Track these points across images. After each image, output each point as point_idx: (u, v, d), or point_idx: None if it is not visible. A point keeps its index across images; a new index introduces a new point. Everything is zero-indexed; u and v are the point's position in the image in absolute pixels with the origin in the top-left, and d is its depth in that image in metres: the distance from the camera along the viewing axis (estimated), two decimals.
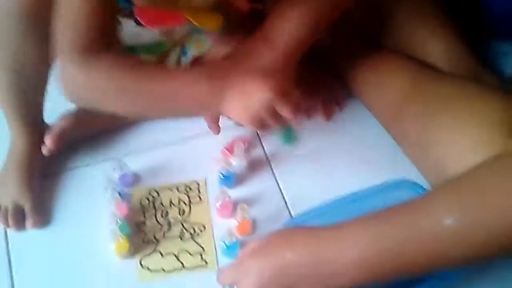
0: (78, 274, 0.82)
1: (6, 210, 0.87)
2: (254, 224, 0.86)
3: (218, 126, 0.87)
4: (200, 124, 0.89)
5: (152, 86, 0.71)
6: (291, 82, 0.78)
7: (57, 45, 0.70)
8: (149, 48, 0.87)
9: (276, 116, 0.72)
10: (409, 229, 0.55)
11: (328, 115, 1.01)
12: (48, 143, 0.91)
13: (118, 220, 0.82)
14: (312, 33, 0.81)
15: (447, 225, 0.52)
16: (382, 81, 0.94)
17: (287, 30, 0.79)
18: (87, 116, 0.94)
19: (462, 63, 0.92)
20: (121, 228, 0.82)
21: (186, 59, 0.90)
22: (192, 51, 0.90)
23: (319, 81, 1.04)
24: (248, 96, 0.71)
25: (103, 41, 0.70)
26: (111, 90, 0.72)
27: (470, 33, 0.96)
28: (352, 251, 0.56)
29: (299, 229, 0.64)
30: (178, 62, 0.90)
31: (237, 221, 0.84)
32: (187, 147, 0.96)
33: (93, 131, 0.98)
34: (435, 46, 0.93)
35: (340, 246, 0.57)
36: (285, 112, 0.71)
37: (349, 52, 1.01)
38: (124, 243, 0.81)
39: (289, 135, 0.85)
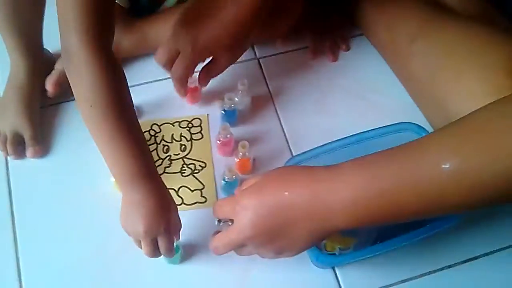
0: (76, 205, 0.83)
1: (5, 138, 0.87)
2: (254, 162, 0.86)
3: (185, 89, 0.87)
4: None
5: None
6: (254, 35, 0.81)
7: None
8: None
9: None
10: (406, 171, 0.53)
11: (334, 56, 0.99)
12: (49, 88, 0.90)
13: None
14: None
15: (446, 169, 0.51)
16: (391, 22, 0.92)
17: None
18: None
19: (473, 4, 0.91)
20: None
21: None
22: None
23: (327, 20, 1.02)
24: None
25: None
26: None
27: None
28: (346, 190, 0.55)
29: (296, 168, 0.63)
30: None
31: (238, 159, 0.83)
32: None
33: None
34: None
35: (335, 186, 0.56)
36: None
37: None
38: None
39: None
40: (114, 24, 0.69)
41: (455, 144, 0.52)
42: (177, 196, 0.83)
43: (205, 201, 0.82)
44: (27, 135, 0.87)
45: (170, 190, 0.81)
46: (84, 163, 0.86)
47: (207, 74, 0.86)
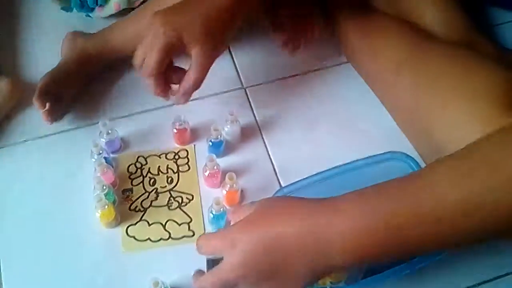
0: (61, 241, 0.81)
1: None
2: (242, 193, 0.84)
3: (161, 86, 0.79)
4: None
5: None
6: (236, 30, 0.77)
7: None
8: None
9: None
10: (407, 203, 0.51)
11: (293, 49, 0.97)
12: (38, 106, 0.89)
13: (103, 186, 0.80)
14: None
15: (452, 201, 0.50)
16: (376, 48, 0.92)
17: None
18: (60, 70, 0.94)
19: (459, 30, 0.92)
20: (107, 196, 0.80)
21: None
22: None
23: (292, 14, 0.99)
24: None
25: None
26: None
27: None
28: (344, 224, 0.53)
29: (290, 200, 0.60)
30: None
31: (225, 191, 0.82)
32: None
33: (72, 83, 0.96)
34: (431, 10, 0.92)
35: (333, 219, 0.53)
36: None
37: (342, 16, 0.98)
38: (110, 211, 0.79)
39: None
40: None
41: (458, 176, 0.51)
42: (164, 230, 0.81)
43: (193, 235, 0.81)
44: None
45: (156, 225, 0.82)
46: (68, 199, 0.85)
47: (186, 83, 0.77)
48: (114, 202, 0.82)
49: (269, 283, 0.56)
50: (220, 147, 0.87)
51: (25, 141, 0.92)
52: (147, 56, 0.74)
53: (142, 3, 1.01)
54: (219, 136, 0.86)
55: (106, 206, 0.78)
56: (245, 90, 0.98)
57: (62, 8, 1.07)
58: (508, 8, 1.07)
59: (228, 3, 0.74)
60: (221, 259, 0.73)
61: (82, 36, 0.99)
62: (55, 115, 0.91)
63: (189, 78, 0.76)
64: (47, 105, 0.88)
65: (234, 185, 0.81)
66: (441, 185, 0.51)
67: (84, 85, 0.97)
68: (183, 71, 0.78)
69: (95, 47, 0.96)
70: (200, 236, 0.64)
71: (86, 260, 0.79)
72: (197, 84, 0.77)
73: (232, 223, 0.61)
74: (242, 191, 0.84)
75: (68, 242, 0.81)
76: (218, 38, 0.76)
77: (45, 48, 1.04)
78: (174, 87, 0.80)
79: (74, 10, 1.06)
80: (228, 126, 0.88)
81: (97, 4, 1.04)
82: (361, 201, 0.54)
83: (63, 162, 0.89)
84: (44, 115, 0.89)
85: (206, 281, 0.59)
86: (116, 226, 0.82)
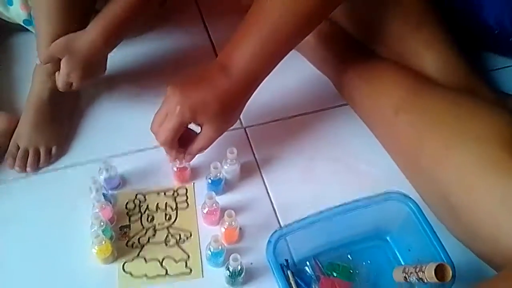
0: (56, 276, 0.80)
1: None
2: (241, 231, 0.84)
3: (174, 153, 0.85)
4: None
5: None
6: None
7: None
8: None
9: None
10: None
11: None
12: None
13: (101, 223, 0.80)
14: (270, 64, 0.81)
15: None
16: (375, 91, 0.93)
17: (243, 59, 0.79)
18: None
19: (458, 74, 0.92)
20: (104, 231, 0.79)
21: None
22: None
23: None
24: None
25: None
26: None
27: (464, 43, 0.95)
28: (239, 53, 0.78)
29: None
30: None
31: (224, 228, 0.81)
32: None
33: None
34: (430, 54, 0.93)
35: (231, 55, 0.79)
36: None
37: (341, 60, 1.00)
38: (107, 246, 0.79)
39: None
40: None
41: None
42: (161, 267, 0.80)
43: (190, 272, 0.80)
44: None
45: (153, 261, 0.81)
46: (66, 234, 0.84)
47: (193, 149, 0.84)
48: (111, 238, 0.82)
49: (194, 92, 0.78)
50: (219, 185, 0.88)
51: (23, 177, 0.93)
52: (161, 127, 0.81)
53: None
54: (218, 174, 0.86)
55: (103, 242, 0.78)
56: (245, 130, 0.99)
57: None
58: (503, 54, 1.09)
59: (239, 88, 0.80)
60: None
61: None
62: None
63: (197, 146, 0.84)
64: None
65: (233, 222, 0.80)
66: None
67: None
68: (193, 135, 0.85)
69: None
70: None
71: None
72: (202, 151, 0.86)
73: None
74: (241, 228, 0.84)
75: (63, 278, 0.80)
76: (228, 118, 0.83)
77: None
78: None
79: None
80: (228, 165, 0.88)
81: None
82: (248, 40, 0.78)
83: (61, 199, 0.89)
84: None
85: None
86: (113, 262, 0.81)
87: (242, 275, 0.77)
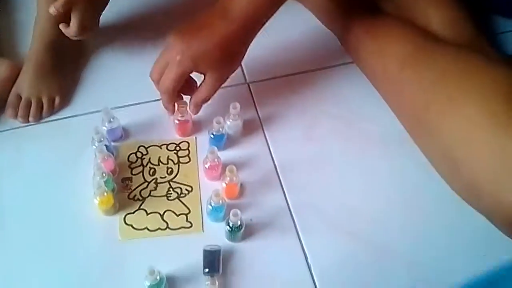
0: (58, 227, 0.81)
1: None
2: (242, 187, 0.84)
3: (173, 104, 0.86)
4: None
5: None
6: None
7: None
8: None
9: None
10: None
11: None
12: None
13: (103, 174, 0.80)
14: (270, 5, 0.80)
15: None
16: (381, 48, 0.92)
17: (239, 4, 0.79)
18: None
19: (464, 35, 0.91)
20: (106, 183, 0.80)
21: None
22: None
23: None
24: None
25: None
26: None
27: (475, 6, 0.94)
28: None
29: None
30: None
31: (225, 183, 0.82)
32: None
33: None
34: (437, 13, 0.92)
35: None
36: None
37: (348, 17, 0.99)
38: (108, 198, 0.79)
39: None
40: None
41: None
42: (162, 220, 0.81)
43: (191, 226, 0.81)
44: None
45: (154, 214, 0.82)
46: (67, 185, 0.85)
47: (197, 98, 0.85)
48: (113, 190, 0.82)
49: (196, 39, 0.78)
50: (222, 141, 0.87)
51: (25, 126, 0.92)
52: (163, 76, 0.81)
53: None
54: (220, 129, 0.86)
55: (105, 193, 0.78)
56: (249, 86, 0.98)
57: None
58: (510, 16, 1.07)
59: (239, 32, 0.79)
60: (219, 250, 0.74)
61: None
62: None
63: (200, 95, 0.84)
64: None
65: (234, 178, 0.80)
66: None
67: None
68: (195, 85, 0.86)
69: None
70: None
71: (83, 246, 0.79)
72: (206, 101, 0.86)
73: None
74: (241, 184, 0.84)
75: (65, 228, 0.81)
76: (229, 64, 0.83)
77: None
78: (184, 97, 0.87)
79: None
80: (231, 120, 0.88)
81: None
82: None
83: (63, 149, 0.89)
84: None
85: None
86: (115, 214, 0.82)
87: (241, 231, 0.78)
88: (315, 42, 1.04)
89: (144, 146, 0.89)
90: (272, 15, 0.81)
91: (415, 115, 0.84)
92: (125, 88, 0.97)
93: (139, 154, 0.88)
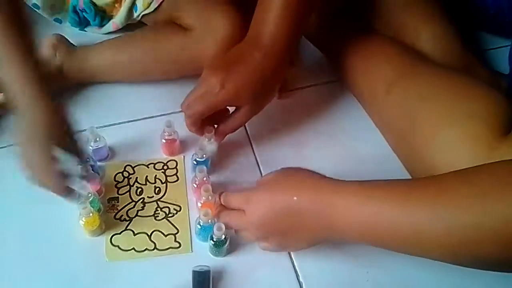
0: (42, 248, 0.78)
1: None
2: None
3: (197, 128, 0.84)
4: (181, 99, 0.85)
5: None
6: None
7: None
8: None
9: None
10: (403, 215, 0.57)
11: (281, 94, 0.96)
12: None
13: (89, 194, 0.78)
14: (296, 24, 0.80)
15: (441, 221, 0.54)
16: (368, 67, 0.92)
17: (268, 26, 0.79)
18: None
19: (453, 53, 0.92)
20: (92, 203, 0.78)
21: (136, 15, 1.00)
22: (140, 9, 0.99)
23: None
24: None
25: None
26: None
27: (460, 23, 0.95)
28: (349, 215, 0.61)
29: (305, 173, 0.68)
30: (129, 14, 1.01)
31: (200, 203, 0.80)
32: None
33: None
34: (426, 29, 0.92)
35: (340, 205, 0.62)
36: None
37: (336, 35, 0.99)
38: (94, 218, 0.77)
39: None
40: None
41: (452, 201, 0.55)
42: (149, 241, 0.79)
43: (179, 246, 0.79)
44: None
45: (142, 235, 0.80)
46: (52, 206, 0.82)
47: (226, 128, 0.84)
48: (99, 210, 0.81)
49: (276, 240, 0.70)
50: (207, 164, 0.85)
51: (9, 146, 0.90)
52: (195, 103, 0.80)
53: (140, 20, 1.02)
54: (204, 155, 0.83)
55: (91, 214, 0.77)
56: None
57: (55, 20, 1.06)
58: (498, 34, 1.08)
59: (273, 58, 0.79)
60: (208, 271, 0.72)
61: (64, 48, 0.96)
62: None
63: (229, 126, 0.84)
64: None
65: (210, 197, 0.78)
66: (432, 203, 0.56)
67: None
68: (224, 113, 0.85)
69: (72, 68, 0.96)
70: (221, 193, 0.75)
71: (69, 268, 0.77)
72: (234, 130, 0.85)
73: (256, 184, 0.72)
74: None
75: (50, 249, 0.78)
76: (263, 98, 0.84)
77: None
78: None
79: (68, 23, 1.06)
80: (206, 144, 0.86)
81: (99, 25, 1.04)
82: (367, 198, 0.61)
83: None
84: None
85: (230, 216, 0.73)
86: (100, 235, 0.80)
87: (226, 245, 0.76)
88: (304, 60, 1.04)
89: (130, 166, 0.88)
90: (300, 34, 0.83)
91: (400, 135, 0.84)
92: (111, 106, 0.96)
93: (125, 174, 0.87)
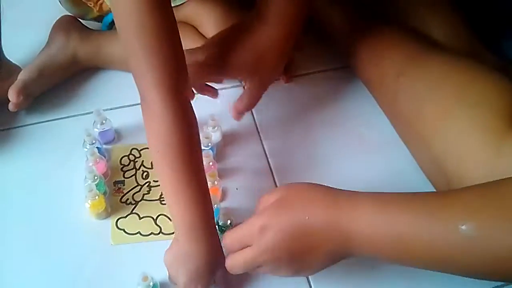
0: (48, 231, 0.78)
1: None
2: (238, 192, 0.83)
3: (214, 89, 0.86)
4: None
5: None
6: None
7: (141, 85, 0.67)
8: None
9: None
10: (423, 222, 0.55)
11: (288, 77, 0.98)
12: (12, 98, 0.87)
13: (95, 177, 0.78)
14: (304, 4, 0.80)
15: (462, 231, 0.52)
16: (378, 55, 0.91)
17: (279, 7, 0.78)
18: (47, 67, 0.92)
19: (463, 41, 0.90)
20: (98, 186, 0.78)
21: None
22: None
23: None
24: None
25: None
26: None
27: (472, 12, 0.93)
28: (365, 225, 0.58)
29: (316, 188, 0.63)
30: None
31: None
32: None
33: (55, 82, 0.95)
34: (435, 18, 0.91)
35: (355, 218, 0.58)
36: None
37: (344, 20, 0.98)
38: (100, 201, 0.77)
39: None
40: (186, 66, 0.68)
41: (477, 206, 0.53)
42: (155, 225, 0.79)
43: None
44: None
45: (147, 219, 0.79)
46: (58, 188, 0.83)
47: (239, 105, 0.84)
48: (105, 193, 0.80)
49: (292, 266, 0.62)
50: (212, 152, 0.84)
51: (14, 127, 0.90)
52: (196, 67, 0.77)
53: None
54: (209, 144, 0.83)
55: (97, 197, 0.76)
56: (245, 88, 0.96)
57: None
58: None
59: (280, 37, 0.79)
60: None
61: (77, 32, 0.95)
62: (23, 106, 0.90)
63: (242, 103, 0.84)
64: (21, 98, 0.87)
65: (215, 182, 0.79)
66: (459, 211, 0.54)
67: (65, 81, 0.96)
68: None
69: (87, 55, 0.95)
70: (224, 235, 0.67)
71: (74, 251, 0.76)
72: (249, 108, 0.85)
73: (259, 209, 0.65)
74: (237, 189, 0.83)
75: (56, 232, 0.78)
76: (271, 70, 0.83)
77: (31, 32, 1.01)
78: None
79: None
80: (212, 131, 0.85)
81: None
82: (382, 208, 0.58)
83: (54, 151, 0.87)
84: (12, 106, 0.88)
85: (235, 261, 0.64)
86: (106, 218, 0.79)
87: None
88: (313, 45, 1.03)
89: (137, 149, 0.87)
90: (302, 19, 0.81)
91: (409, 123, 0.83)
92: (118, 89, 0.95)
93: (131, 157, 0.86)
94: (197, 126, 0.69)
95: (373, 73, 0.92)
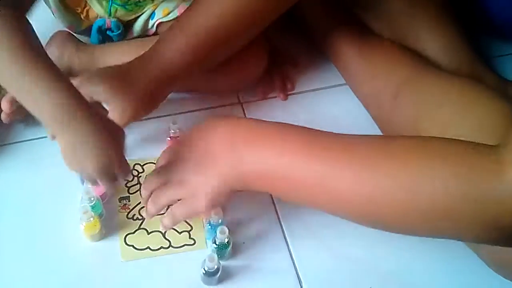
0: (57, 251, 0.77)
1: None
2: (237, 208, 0.82)
3: None
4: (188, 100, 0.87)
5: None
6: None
7: None
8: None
9: None
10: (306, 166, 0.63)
11: (285, 94, 1.00)
12: (4, 108, 0.84)
13: (91, 198, 0.76)
14: (192, 61, 0.81)
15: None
16: (375, 70, 0.92)
17: (163, 54, 0.80)
18: None
19: (460, 59, 0.92)
20: (95, 207, 0.77)
21: (152, 23, 0.97)
22: (158, 17, 0.96)
23: (272, 60, 1.01)
24: None
25: None
26: None
27: (469, 29, 0.96)
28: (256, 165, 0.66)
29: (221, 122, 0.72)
30: (146, 23, 0.98)
31: None
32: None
33: None
34: (433, 39, 0.93)
35: (248, 156, 0.66)
36: None
37: (342, 40, 0.98)
38: (94, 223, 0.76)
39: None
40: None
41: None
42: (164, 239, 0.79)
43: (194, 243, 0.79)
44: None
45: (156, 233, 0.79)
46: (58, 205, 0.82)
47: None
48: (101, 215, 0.79)
49: (197, 168, 0.69)
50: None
51: (10, 143, 0.89)
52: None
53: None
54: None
55: (92, 219, 0.75)
56: (242, 106, 0.98)
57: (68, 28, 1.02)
58: (509, 38, 1.08)
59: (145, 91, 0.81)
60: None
61: (71, 45, 0.95)
62: (16, 117, 0.87)
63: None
64: (14, 108, 0.84)
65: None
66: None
67: None
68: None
69: (81, 64, 0.94)
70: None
71: (85, 269, 0.76)
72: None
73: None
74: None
75: (66, 250, 0.77)
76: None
77: None
78: None
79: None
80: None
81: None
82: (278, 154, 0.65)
83: (51, 169, 0.85)
84: (4, 116, 0.85)
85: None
86: (101, 239, 0.78)
87: (229, 248, 0.76)
88: (309, 63, 1.05)
89: (139, 164, 0.87)
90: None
91: None
92: None
93: (135, 172, 0.86)
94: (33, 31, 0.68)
95: (368, 89, 0.93)
